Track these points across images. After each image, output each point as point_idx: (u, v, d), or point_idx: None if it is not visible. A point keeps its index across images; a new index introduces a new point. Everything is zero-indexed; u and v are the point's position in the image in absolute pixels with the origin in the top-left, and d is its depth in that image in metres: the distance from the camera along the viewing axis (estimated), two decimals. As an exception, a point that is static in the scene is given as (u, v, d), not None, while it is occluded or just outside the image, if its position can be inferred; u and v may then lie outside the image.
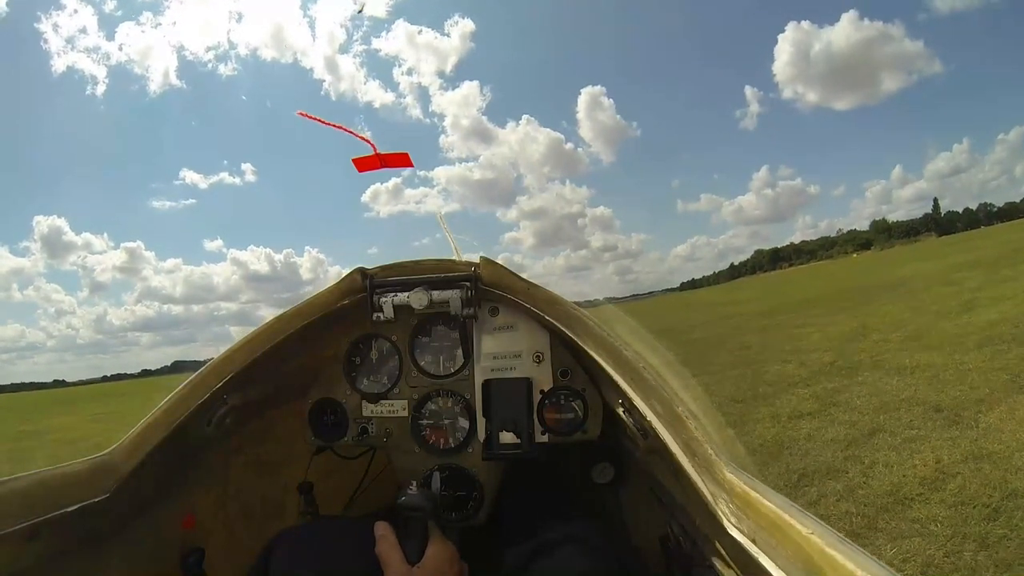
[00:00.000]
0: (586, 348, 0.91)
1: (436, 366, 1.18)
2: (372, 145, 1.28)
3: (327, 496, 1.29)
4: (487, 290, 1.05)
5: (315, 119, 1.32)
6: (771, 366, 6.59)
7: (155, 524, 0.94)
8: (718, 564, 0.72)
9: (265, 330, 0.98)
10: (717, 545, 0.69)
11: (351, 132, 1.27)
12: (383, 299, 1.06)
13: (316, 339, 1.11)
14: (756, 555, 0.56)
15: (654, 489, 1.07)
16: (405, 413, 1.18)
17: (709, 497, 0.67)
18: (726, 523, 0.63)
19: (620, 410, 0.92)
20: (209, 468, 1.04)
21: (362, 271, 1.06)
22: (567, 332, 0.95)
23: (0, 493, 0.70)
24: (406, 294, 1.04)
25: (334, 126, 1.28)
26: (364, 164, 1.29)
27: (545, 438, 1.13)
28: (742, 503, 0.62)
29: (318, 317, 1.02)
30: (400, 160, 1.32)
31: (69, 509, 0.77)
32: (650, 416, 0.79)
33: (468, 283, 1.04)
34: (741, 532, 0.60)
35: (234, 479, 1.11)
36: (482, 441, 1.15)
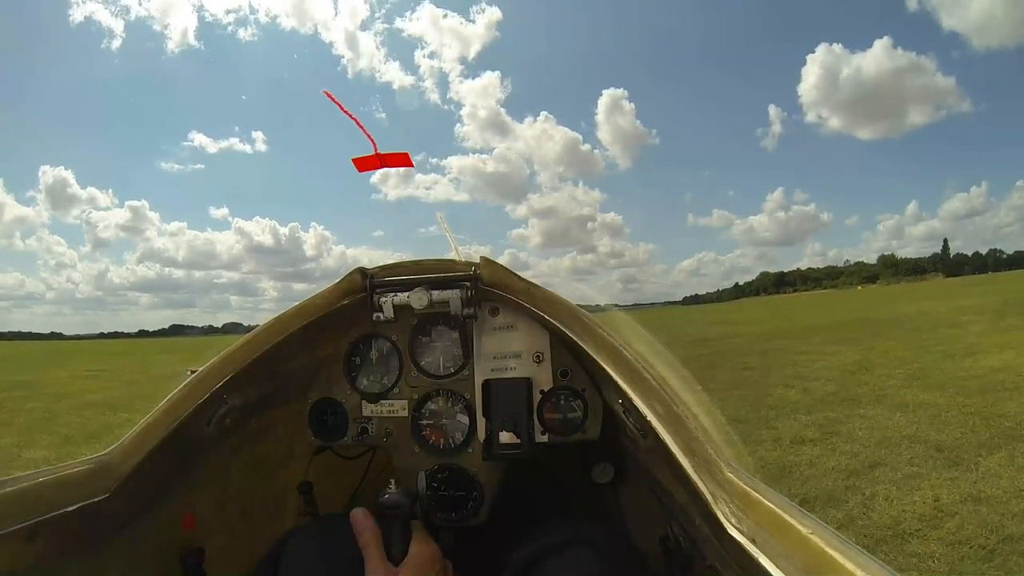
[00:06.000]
0: (586, 348, 0.91)
1: (436, 366, 1.18)
2: (373, 144, 1.27)
3: (327, 496, 1.28)
4: (487, 290, 1.05)
5: (337, 103, 1.30)
6: (773, 390, 6.61)
7: (155, 524, 0.93)
8: (718, 564, 0.73)
9: (265, 330, 0.98)
10: (717, 545, 0.69)
11: (361, 127, 1.26)
12: (383, 299, 1.05)
13: (316, 339, 1.10)
14: (756, 555, 0.56)
15: (654, 489, 1.07)
16: (405, 413, 1.17)
17: (709, 497, 0.67)
18: (726, 523, 0.63)
19: (620, 410, 0.91)
20: (209, 468, 1.03)
21: (362, 271, 1.05)
22: (567, 332, 0.94)
23: (0, 493, 0.70)
24: (406, 294, 1.04)
25: (350, 116, 1.27)
26: (364, 164, 1.28)
27: (545, 438, 1.13)
28: (742, 503, 0.62)
29: (318, 317, 1.02)
30: (400, 160, 1.31)
31: (69, 509, 0.77)
32: (650, 416, 0.79)
33: (468, 283, 1.04)
34: (741, 532, 0.60)
35: (234, 479, 1.11)
36: (482, 441, 1.14)
